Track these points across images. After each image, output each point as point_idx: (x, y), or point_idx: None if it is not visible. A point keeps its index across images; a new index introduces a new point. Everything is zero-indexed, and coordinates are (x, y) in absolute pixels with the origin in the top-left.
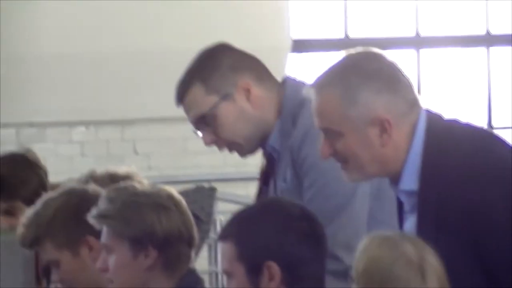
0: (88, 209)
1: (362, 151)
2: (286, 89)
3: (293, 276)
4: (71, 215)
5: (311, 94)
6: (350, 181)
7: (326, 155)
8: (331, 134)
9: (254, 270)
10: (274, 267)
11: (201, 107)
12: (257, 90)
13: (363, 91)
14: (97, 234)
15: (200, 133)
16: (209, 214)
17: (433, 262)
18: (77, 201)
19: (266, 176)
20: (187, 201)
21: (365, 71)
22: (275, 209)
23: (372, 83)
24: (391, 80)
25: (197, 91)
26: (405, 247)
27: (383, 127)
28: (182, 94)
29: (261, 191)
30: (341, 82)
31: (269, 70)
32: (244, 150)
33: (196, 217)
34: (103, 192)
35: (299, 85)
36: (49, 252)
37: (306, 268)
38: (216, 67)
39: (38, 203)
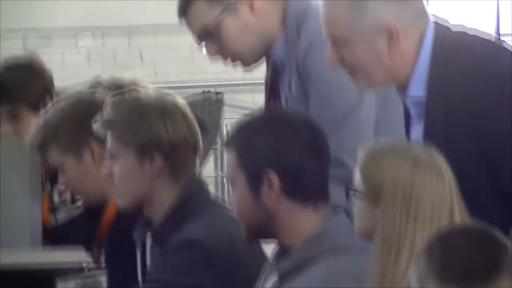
0: (93, 114)
1: (369, 59)
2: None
3: (293, 185)
4: (76, 119)
5: (319, 2)
6: (358, 89)
7: (333, 62)
8: (339, 42)
9: (254, 178)
10: (273, 176)
11: (205, 19)
12: (260, 2)
13: None
14: (100, 141)
15: (204, 45)
16: (216, 120)
17: (445, 165)
18: (83, 106)
19: (272, 85)
20: (195, 108)
21: None
22: (277, 119)
23: None
24: None
25: (200, 3)
26: (417, 153)
27: (391, 35)
28: (185, 7)
29: (269, 99)
30: None
31: None
32: (247, 61)
33: (204, 123)
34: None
35: None
36: (55, 155)
37: (307, 178)
38: None
39: (48, 108)
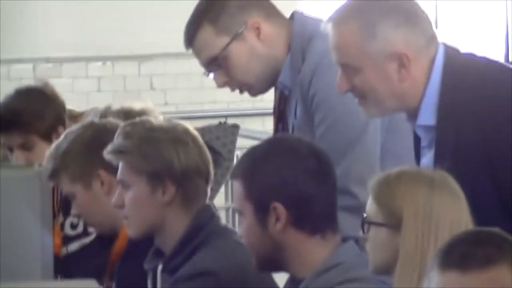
0: (102, 143)
1: (380, 86)
2: (295, 24)
3: (300, 215)
4: (84, 148)
5: (328, 29)
6: (369, 117)
7: (343, 90)
8: (350, 69)
9: (261, 210)
10: (280, 208)
11: (212, 48)
12: (266, 28)
13: (382, 25)
14: (110, 169)
15: (212, 75)
16: (231, 151)
17: (457, 185)
18: (91, 134)
19: (279, 113)
20: (209, 137)
21: (383, 5)
22: (282, 148)
23: (391, 17)
24: (410, 14)
25: (207, 33)
26: (430, 175)
27: (402, 61)
28: (192, 36)
29: (277, 129)
30: (360, 16)
31: (276, 7)
32: (255, 90)
33: (218, 153)
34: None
35: (308, 19)
36: (65, 184)
37: (314, 207)
38: (224, 7)
39: (61, 137)
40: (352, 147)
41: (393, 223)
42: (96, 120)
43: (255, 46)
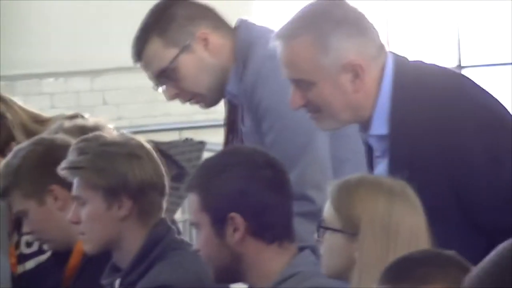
0: (54, 158)
1: (335, 98)
2: (239, 32)
3: (258, 224)
4: (36, 164)
5: (278, 45)
6: (323, 130)
7: (297, 106)
8: (303, 84)
9: (218, 221)
10: (238, 218)
11: (161, 61)
12: (214, 39)
13: (334, 37)
14: (63, 184)
15: (161, 88)
16: (195, 166)
17: (416, 195)
18: (43, 150)
19: (230, 124)
20: (174, 152)
21: (333, 17)
22: (238, 158)
23: (342, 29)
24: (360, 24)
25: (155, 45)
26: (390, 184)
27: (356, 72)
28: (140, 50)
29: (228, 140)
30: (311, 30)
31: (223, 17)
32: (207, 101)
33: (181, 168)
34: (72, 141)
35: (252, 26)
36: (18, 202)
37: (271, 216)
38: (172, 19)
39: (10, 154)
40: (303, 153)
41: (351, 230)
42: (46, 136)
43: (203, 57)
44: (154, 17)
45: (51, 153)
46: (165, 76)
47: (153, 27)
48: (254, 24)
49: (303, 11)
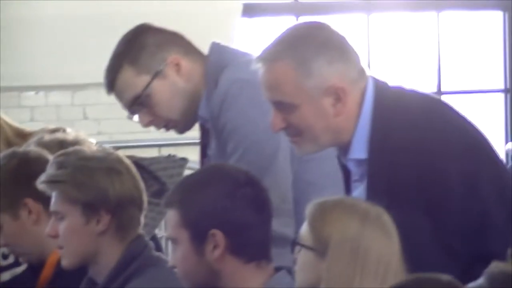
0: (27, 172)
1: (316, 122)
2: (211, 56)
3: (238, 242)
4: (9, 178)
5: (259, 67)
6: (302, 154)
7: (277, 129)
8: (285, 107)
9: (198, 237)
10: (219, 235)
11: (134, 88)
12: (186, 63)
13: (317, 61)
14: (37, 197)
15: (135, 117)
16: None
17: (392, 223)
18: (16, 164)
19: (203, 147)
20: (156, 167)
21: (316, 41)
22: (220, 175)
23: (325, 52)
24: (342, 48)
25: (127, 74)
26: (366, 208)
27: (338, 95)
28: (113, 79)
29: (202, 163)
30: (293, 53)
31: (193, 43)
32: (181, 126)
33: (163, 183)
34: (47, 155)
35: (224, 50)
36: None
37: (251, 234)
38: (142, 47)
39: None
40: (263, 176)
41: (320, 248)
42: (19, 149)
43: (176, 81)
44: (124, 46)
45: (24, 167)
46: (138, 104)
47: (124, 56)
48: (227, 48)
49: (286, 34)
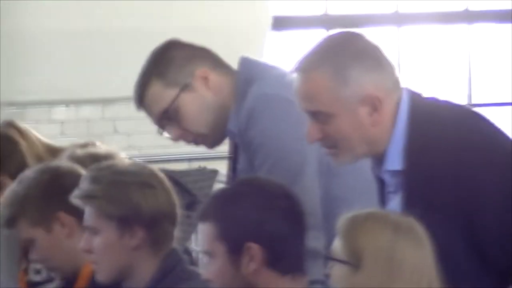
0: (60, 186)
1: (353, 131)
2: (239, 70)
3: (274, 255)
4: (42, 192)
5: (296, 77)
6: (339, 165)
7: (313, 140)
8: (322, 117)
9: (235, 250)
10: (255, 248)
11: (163, 101)
12: (214, 76)
13: (353, 70)
14: (70, 211)
15: (165, 133)
16: (207, 194)
17: (424, 233)
18: (48, 178)
19: (232, 162)
20: (186, 180)
21: (352, 50)
22: (255, 188)
23: (361, 62)
24: (377, 58)
25: (156, 87)
26: (397, 219)
27: (374, 105)
28: (142, 93)
29: (231, 177)
30: (329, 62)
31: (221, 57)
32: (210, 140)
33: (193, 196)
34: (78, 169)
35: (252, 64)
36: (25, 230)
37: (287, 247)
38: (170, 61)
39: (15, 182)
40: (292, 186)
41: (354, 261)
42: (51, 163)
43: (204, 95)
44: (152, 61)
45: (56, 181)
46: (167, 117)
47: (152, 71)
48: (256, 61)
49: (322, 44)
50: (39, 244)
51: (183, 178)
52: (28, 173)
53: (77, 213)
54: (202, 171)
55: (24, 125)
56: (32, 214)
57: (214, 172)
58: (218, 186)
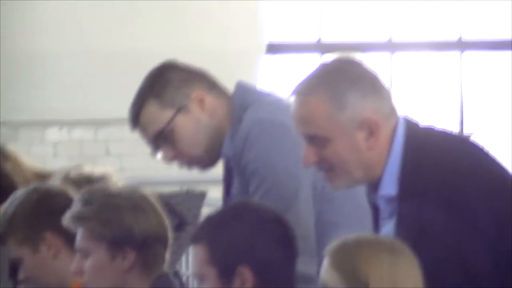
0: (48, 206)
1: (349, 156)
2: (235, 95)
3: (265, 279)
4: (29, 211)
5: (293, 101)
6: (335, 189)
7: (310, 164)
8: (318, 141)
9: (226, 273)
10: (247, 272)
11: (158, 122)
12: (210, 99)
13: (351, 94)
14: (57, 232)
15: (159, 154)
16: (196, 216)
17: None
18: (37, 198)
19: (227, 185)
20: (175, 201)
21: (349, 75)
22: (248, 212)
23: (358, 86)
24: (374, 83)
25: (152, 108)
26: (389, 242)
27: (371, 129)
28: (137, 113)
29: (225, 200)
30: (327, 87)
31: (217, 80)
32: (204, 162)
33: (181, 217)
34: (69, 190)
35: (248, 90)
36: (13, 249)
37: (278, 271)
38: (167, 82)
39: (7, 201)
40: (286, 212)
41: None
42: (42, 184)
43: (200, 117)
44: (149, 82)
45: (44, 201)
46: (162, 138)
47: (149, 91)
48: (251, 87)
49: (319, 69)
50: (26, 264)
51: (172, 199)
52: (20, 193)
53: (65, 235)
54: (190, 193)
55: (12, 149)
56: (19, 233)
57: (202, 194)
58: (206, 209)
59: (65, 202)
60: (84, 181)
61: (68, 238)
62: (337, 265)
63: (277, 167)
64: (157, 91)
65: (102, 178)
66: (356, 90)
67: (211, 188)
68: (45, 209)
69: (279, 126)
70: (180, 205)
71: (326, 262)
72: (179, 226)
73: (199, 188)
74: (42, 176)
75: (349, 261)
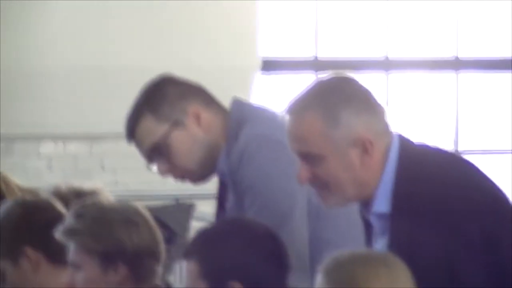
0: (30, 220)
1: (343, 173)
2: (232, 111)
3: None
4: (11, 224)
5: (287, 119)
6: (329, 207)
7: (304, 181)
8: (312, 158)
9: None
10: (238, 286)
11: (154, 136)
12: (206, 114)
13: (344, 112)
14: (37, 246)
15: (153, 167)
16: (185, 228)
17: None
18: (20, 212)
19: (220, 200)
20: (165, 216)
21: (343, 93)
22: (239, 228)
23: (352, 104)
24: (368, 101)
25: (147, 122)
26: (383, 257)
27: (365, 147)
28: (133, 127)
29: (218, 216)
30: (321, 104)
31: (214, 96)
32: (197, 176)
33: (171, 230)
34: (56, 205)
35: (245, 106)
36: None
37: (269, 287)
38: (163, 96)
39: None
40: (278, 232)
41: None
42: (29, 197)
43: (195, 132)
44: (146, 95)
45: (27, 216)
46: (157, 152)
47: (145, 104)
48: (248, 103)
49: (313, 87)
50: (7, 277)
51: (161, 212)
52: (6, 205)
53: (46, 249)
54: (179, 206)
55: (5, 174)
56: (2, 246)
57: (191, 207)
58: (196, 223)
59: (51, 216)
60: (73, 195)
61: (49, 252)
62: (334, 282)
63: (272, 183)
64: (154, 106)
65: (92, 193)
66: (350, 108)
67: (207, 202)
68: (26, 223)
69: (276, 142)
70: (169, 218)
71: (320, 280)
72: (169, 239)
73: (195, 203)
74: (29, 194)
75: (347, 278)
